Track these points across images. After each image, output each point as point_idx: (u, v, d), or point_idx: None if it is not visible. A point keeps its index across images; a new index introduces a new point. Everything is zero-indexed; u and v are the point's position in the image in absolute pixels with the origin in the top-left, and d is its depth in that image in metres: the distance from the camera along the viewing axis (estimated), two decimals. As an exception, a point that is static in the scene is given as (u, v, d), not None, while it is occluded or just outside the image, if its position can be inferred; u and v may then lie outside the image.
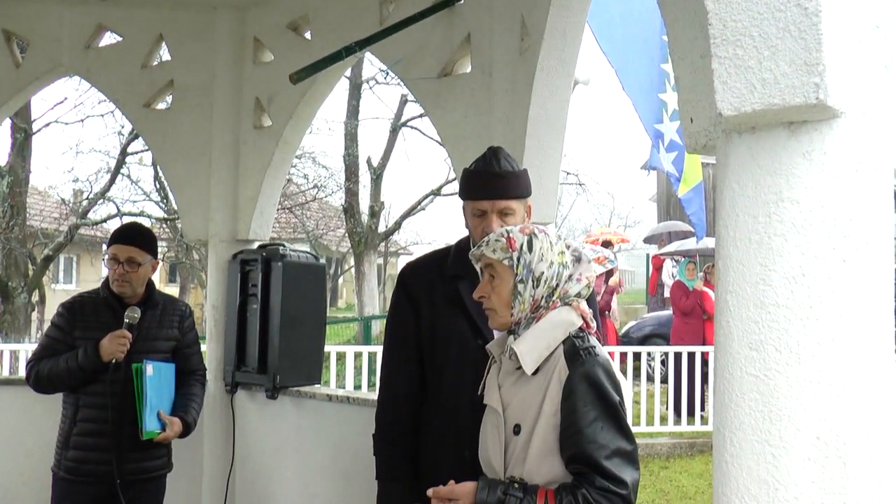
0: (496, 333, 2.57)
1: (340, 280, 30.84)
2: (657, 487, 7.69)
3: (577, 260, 2.19)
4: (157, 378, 3.46)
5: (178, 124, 4.95)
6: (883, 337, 1.35)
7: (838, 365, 1.31)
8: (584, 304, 2.19)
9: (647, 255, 16.41)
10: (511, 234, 2.17)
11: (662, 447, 8.83)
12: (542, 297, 2.13)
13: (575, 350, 2.08)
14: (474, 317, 2.58)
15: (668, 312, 11.92)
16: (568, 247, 2.19)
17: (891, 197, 1.37)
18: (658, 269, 14.67)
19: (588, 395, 2.01)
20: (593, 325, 2.20)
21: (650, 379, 9.49)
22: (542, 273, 2.12)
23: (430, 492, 2.19)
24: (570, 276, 2.16)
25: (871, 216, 1.35)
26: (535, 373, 2.09)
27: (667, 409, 9.41)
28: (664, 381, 9.61)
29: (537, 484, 2.04)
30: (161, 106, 5.06)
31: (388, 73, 15.40)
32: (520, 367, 2.11)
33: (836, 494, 1.31)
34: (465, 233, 2.75)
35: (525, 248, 2.14)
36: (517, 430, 2.10)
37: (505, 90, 3.60)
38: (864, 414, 1.32)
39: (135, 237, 3.53)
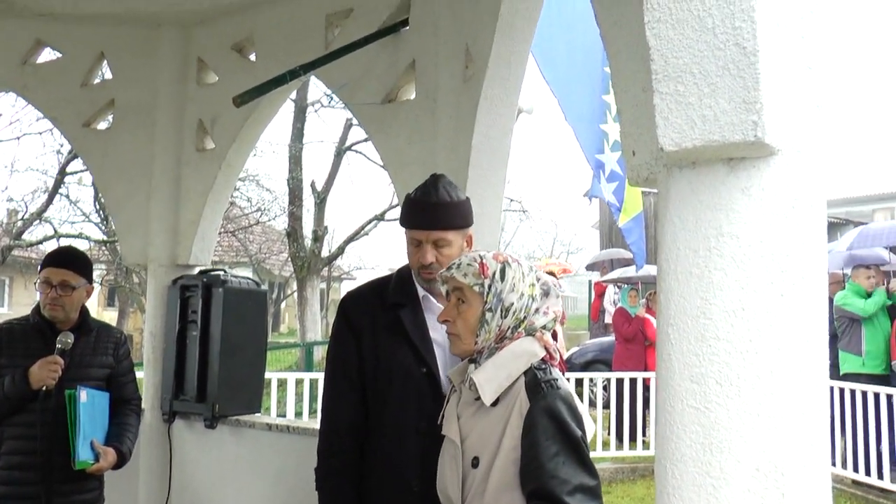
0: (439, 361, 2.54)
1: (283, 305, 30.46)
2: (599, 513, 7.72)
3: (546, 294, 2.16)
4: (90, 405, 3.33)
5: (118, 145, 4.85)
6: (818, 370, 1.38)
7: (777, 397, 1.33)
8: (548, 336, 2.15)
9: (590, 282, 16.60)
10: (484, 260, 2.13)
11: (605, 472, 8.88)
12: (509, 328, 2.10)
13: (536, 382, 2.03)
14: (417, 345, 2.55)
15: (611, 338, 12.05)
16: (538, 279, 2.17)
17: (824, 233, 1.41)
18: (600, 295, 14.84)
19: (549, 430, 1.97)
20: (556, 356, 2.15)
21: (592, 405, 9.56)
22: (512, 304, 2.09)
23: None
24: (536, 309, 2.13)
25: (807, 251, 1.38)
26: (494, 404, 2.04)
27: (609, 434, 9.48)
28: (606, 406, 9.69)
29: None
30: (101, 125, 4.96)
31: (332, 97, 15.38)
32: (479, 398, 2.06)
33: (775, 526, 1.32)
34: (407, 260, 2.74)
35: (498, 276, 2.11)
36: (475, 462, 2.05)
37: (449, 116, 3.61)
38: (802, 445, 1.34)
39: (69, 260, 3.43)
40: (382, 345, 2.59)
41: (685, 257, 1.40)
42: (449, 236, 2.54)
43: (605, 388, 9.80)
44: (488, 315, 2.09)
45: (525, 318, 2.11)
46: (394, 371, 2.56)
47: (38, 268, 3.46)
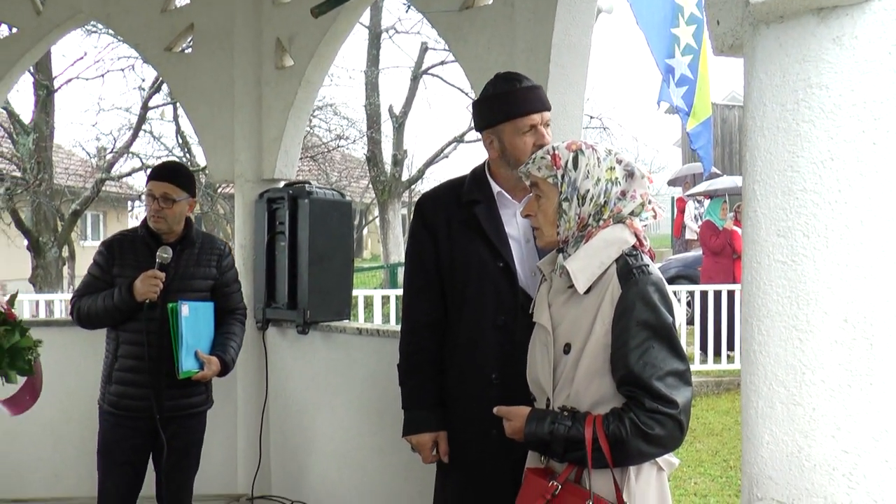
0: (515, 255, 2.56)
1: (365, 231, 30.93)
2: (684, 424, 7.76)
3: (630, 175, 2.11)
4: (193, 318, 3.44)
5: (199, 68, 4.98)
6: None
7: (866, 247, 1.31)
8: (638, 223, 2.13)
9: (672, 198, 16.27)
10: (556, 151, 2.11)
11: (689, 385, 8.89)
12: (589, 215, 2.08)
13: (628, 269, 2.02)
14: (492, 239, 2.56)
15: (694, 254, 11.86)
16: (619, 161, 2.11)
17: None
18: (682, 211, 14.56)
19: (641, 315, 1.96)
20: (647, 243, 2.13)
21: (676, 319, 9.51)
22: (588, 191, 2.06)
23: (495, 410, 2.19)
24: (622, 193, 2.09)
25: (904, 98, 1.34)
26: (587, 291, 2.04)
27: (694, 348, 9.44)
28: (690, 322, 9.61)
29: (586, 410, 2.02)
30: (183, 50, 5.09)
31: (403, 18, 15.22)
32: (571, 286, 2.06)
33: (862, 375, 1.32)
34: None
35: (570, 165, 2.08)
36: (567, 349, 2.05)
37: (527, 20, 3.58)
38: (891, 295, 1.32)
39: (170, 174, 3.51)
40: (458, 241, 2.61)
41: (772, 112, 1.38)
42: (549, 117, 2.56)
43: (689, 304, 9.70)
44: (565, 205, 2.08)
45: (607, 203, 2.08)
46: (470, 266, 2.58)
47: (130, 201, 3.58)
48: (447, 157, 18.59)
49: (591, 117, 17.97)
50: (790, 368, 1.36)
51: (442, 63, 17.90)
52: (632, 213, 2.12)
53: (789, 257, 1.35)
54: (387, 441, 3.88)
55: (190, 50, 5.12)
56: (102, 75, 16.25)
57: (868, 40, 1.32)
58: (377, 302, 9.09)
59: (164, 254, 3.39)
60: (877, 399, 1.32)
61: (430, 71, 18.38)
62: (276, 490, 4.74)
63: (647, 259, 2.09)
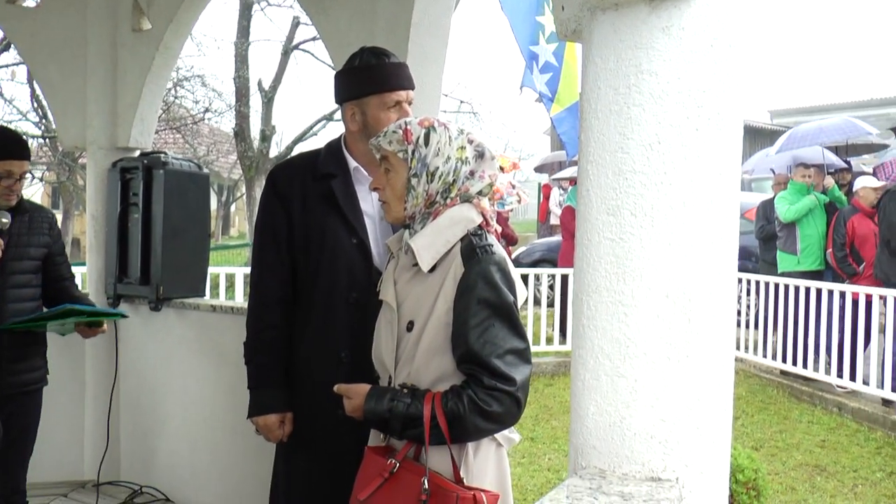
0: (370, 232, 2.52)
1: (233, 208, 30.14)
2: (541, 403, 8.00)
3: (480, 156, 2.11)
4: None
5: (48, 24, 4.70)
6: (729, 200, 1.44)
7: (688, 227, 1.39)
8: (485, 202, 2.13)
9: (539, 185, 16.69)
10: (409, 126, 2.10)
11: (548, 366, 9.16)
12: (437, 193, 2.07)
13: (472, 248, 2.03)
14: (348, 215, 2.51)
15: (557, 238, 12.21)
16: (471, 142, 2.11)
17: (741, 73, 1.45)
18: (548, 197, 14.95)
19: (482, 294, 1.98)
20: (493, 223, 2.14)
21: (537, 303, 9.75)
22: (438, 168, 2.06)
23: (336, 388, 2.15)
24: (471, 173, 2.09)
25: (724, 89, 1.41)
26: (431, 270, 2.04)
27: (553, 329, 9.72)
28: (550, 305, 9.89)
29: (426, 387, 2.02)
30: (29, 3, 4.77)
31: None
32: (416, 264, 2.06)
33: (679, 348, 1.40)
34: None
35: (421, 141, 2.07)
36: (410, 326, 2.06)
37: (388, -5, 3.57)
38: (710, 272, 1.41)
39: (26, 150, 3.38)
40: (313, 215, 2.54)
41: (605, 95, 1.43)
42: (412, 94, 2.54)
43: (551, 287, 9.97)
44: (414, 181, 2.08)
45: (455, 181, 2.09)
46: (324, 241, 2.52)
47: None
48: (316, 134, 18.34)
49: (462, 101, 18.16)
50: (615, 342, 1.43)
51: (314, 39, 17.60)
52: (479, 193, 2.13)
53: (618, 235, 1.41)
54: (239, 420, 3.77)
55: (37, 4, 4.81)
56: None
57: (693, 32, 1.39)
58: (239, 280, 8.86)
59: (4, 219, 3.25)
60: (692, 371, 1.40)
61: (301, 46, 18.05)
62: (126, 475, 4.57)
63: (491, 239, 2.11)
